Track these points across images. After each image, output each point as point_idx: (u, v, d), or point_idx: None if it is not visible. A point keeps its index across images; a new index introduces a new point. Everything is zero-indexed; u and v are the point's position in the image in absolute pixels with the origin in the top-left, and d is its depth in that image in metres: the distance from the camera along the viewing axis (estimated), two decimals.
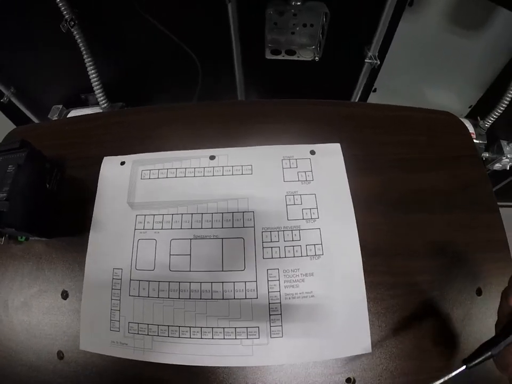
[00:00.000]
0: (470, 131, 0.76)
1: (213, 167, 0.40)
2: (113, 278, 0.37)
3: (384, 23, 0.67)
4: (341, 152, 0.40)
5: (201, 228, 0.37)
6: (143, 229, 0.38)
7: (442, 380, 0.25)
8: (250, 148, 0.41)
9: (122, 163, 0.42)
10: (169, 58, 0.81)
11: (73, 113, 0.85)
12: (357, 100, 0.83)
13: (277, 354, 0.34)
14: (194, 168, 0.40)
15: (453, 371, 0.25)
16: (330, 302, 0.35)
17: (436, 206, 0.39)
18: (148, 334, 0.35)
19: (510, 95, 0.74)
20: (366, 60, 0.74)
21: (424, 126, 0.44)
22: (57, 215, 0.42)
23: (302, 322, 0.34)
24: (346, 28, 0.72)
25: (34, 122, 0.94)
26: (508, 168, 0.91)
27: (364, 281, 0.35)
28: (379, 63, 0.73)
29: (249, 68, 0.80)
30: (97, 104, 0.83)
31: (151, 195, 0.40)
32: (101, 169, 0.42)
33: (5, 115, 0.88)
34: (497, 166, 0.90)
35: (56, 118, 0.84)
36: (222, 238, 0.37)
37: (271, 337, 0.34)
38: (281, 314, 0.35)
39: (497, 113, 0.79)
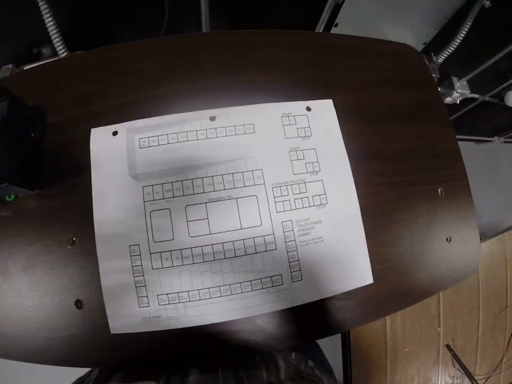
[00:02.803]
0: None
1: (215, 128, 0.39)
2: (131, 256, 0.36)
3: None
4: (333, 108, 0.43)
5: (214, 191, 0.38)
6: (153, 199, 0.37)
7: None
8: (249, 107, 0.41)
9: (115, 133, 0.39)
10: None
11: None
12: None
13: (299, 295, 0.38)
14: (196, 130, 0.39)
15: None
16: (337, 244, 0.39)
17: (402, 119, 0.47)
18: (179, 302, 0.36)
19: (461, 36, 0.84)
20: None
21: (387, 54, 0.51)
22: (46, 164, 0.39)
23: (316, 265, 0.39)
24: None
25: None
26: (458, 103, 1.04)
27: (361, 220, 0.40)
28: None
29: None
30: (52, 56, 0.72)
31: (154, 164, 0.38)
32: (90, 143, 0.39)
33: None
34: (448, 99, 1.03)
35: None
36: (236, 198, 0.38)
37: (292, 282, 0.38)
38: (298, 260, 0.38)
39: (449, 51, 0.90)
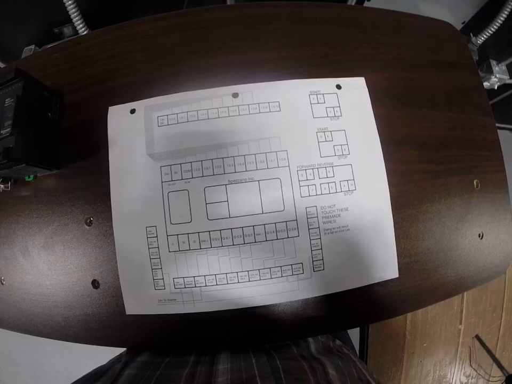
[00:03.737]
0: None
1: (238, 105, 0.37)
2: (147, 237, 0.35)
3: None
4: (366, 87, 0.39)
5: (235, 172, 0.36)
6: (171, 180, 0.35)
7: None
8: (275, 83, 0.38)
9: (133, 111, 0.37)
10: None
11: None
12: None
13: (320, 286, 0.36)
14: (218, 108, 0.37)
15: None
16: (363, 234, 0.37)
17: (437, 104, 0.42)
18: (195, 286, 0.34)
19: (503, 16, 0.76)
20: None
21: (425, 31, 0.46)
22: (64, 144, 0.39)
23: (340, 255, 0.36)
24: None
25: None
26: (496, 88, 0.96)
27: (391, 211, 0.38)
28: None
29: None
30: (74, 35, 0.72)
31: (173, 143, 0.36)
32: (108, 122, 0.37)
33: None
34: (486, 84, 0.94)
35: None
36: (258, 180, 0.36)
37: (314, 271, 0.36)
38: (321, 249, 0.36)
39: (489, 32, 0.82)
